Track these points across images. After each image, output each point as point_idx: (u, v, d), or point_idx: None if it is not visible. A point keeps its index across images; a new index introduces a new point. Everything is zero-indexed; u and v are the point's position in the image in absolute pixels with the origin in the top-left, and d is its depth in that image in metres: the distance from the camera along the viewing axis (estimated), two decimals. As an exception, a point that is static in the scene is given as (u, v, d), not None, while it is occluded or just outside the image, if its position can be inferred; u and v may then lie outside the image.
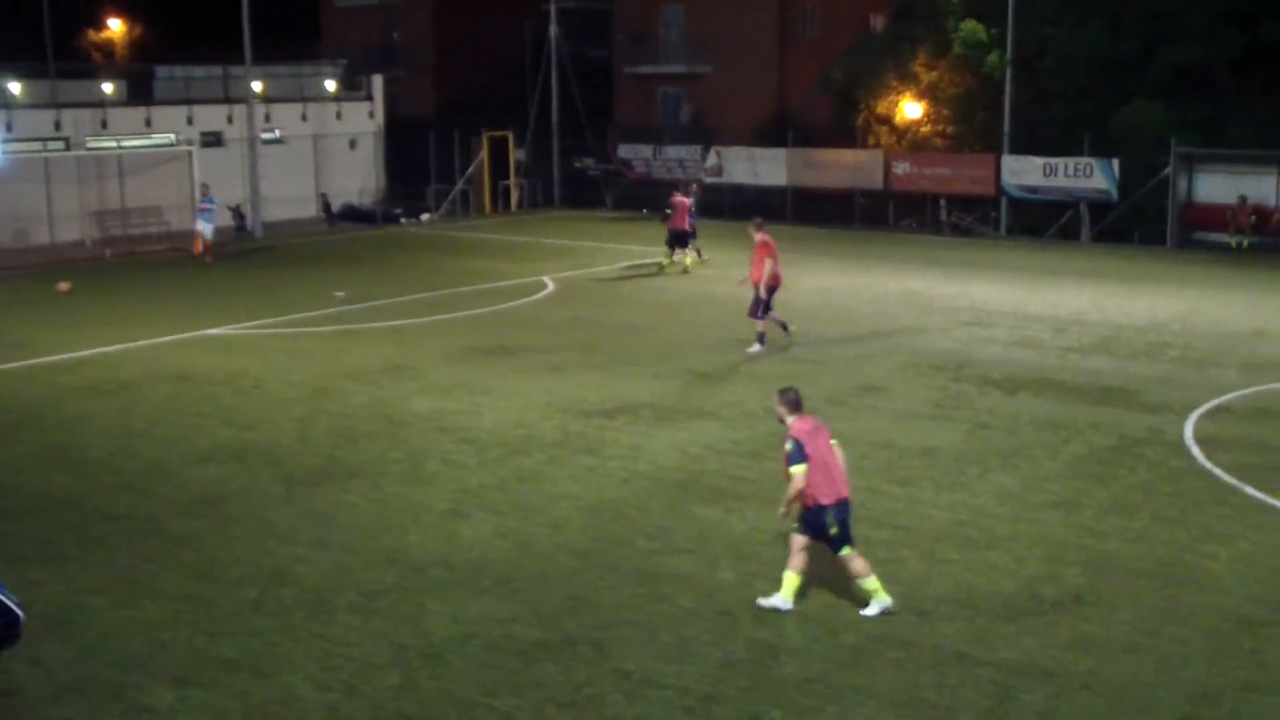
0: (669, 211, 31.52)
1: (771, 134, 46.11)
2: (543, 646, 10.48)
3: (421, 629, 10.82)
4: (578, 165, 48.84)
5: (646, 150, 47.32)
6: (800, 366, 20.81)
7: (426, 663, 10.21)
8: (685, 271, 31.13)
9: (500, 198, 46.82)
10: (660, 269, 31.17)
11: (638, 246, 35.38)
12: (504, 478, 14.92)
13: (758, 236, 22.33)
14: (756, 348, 21.88)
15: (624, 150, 47.79)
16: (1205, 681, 9.86)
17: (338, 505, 14.03)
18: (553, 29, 48.23)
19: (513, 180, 47.26)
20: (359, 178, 45.47)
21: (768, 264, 21.94)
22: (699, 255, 32.38)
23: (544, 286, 29.06)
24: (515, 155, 47.24)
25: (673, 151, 46.85)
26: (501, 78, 54.82)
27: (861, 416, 17.65)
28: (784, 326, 22.67)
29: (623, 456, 15.67)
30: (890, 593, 11.08)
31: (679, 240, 31.33)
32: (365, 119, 46.44)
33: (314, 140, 44.16)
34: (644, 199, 45.30)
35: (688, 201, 31.51)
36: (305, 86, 50.26)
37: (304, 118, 44.38)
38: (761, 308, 22.05)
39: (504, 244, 37.17)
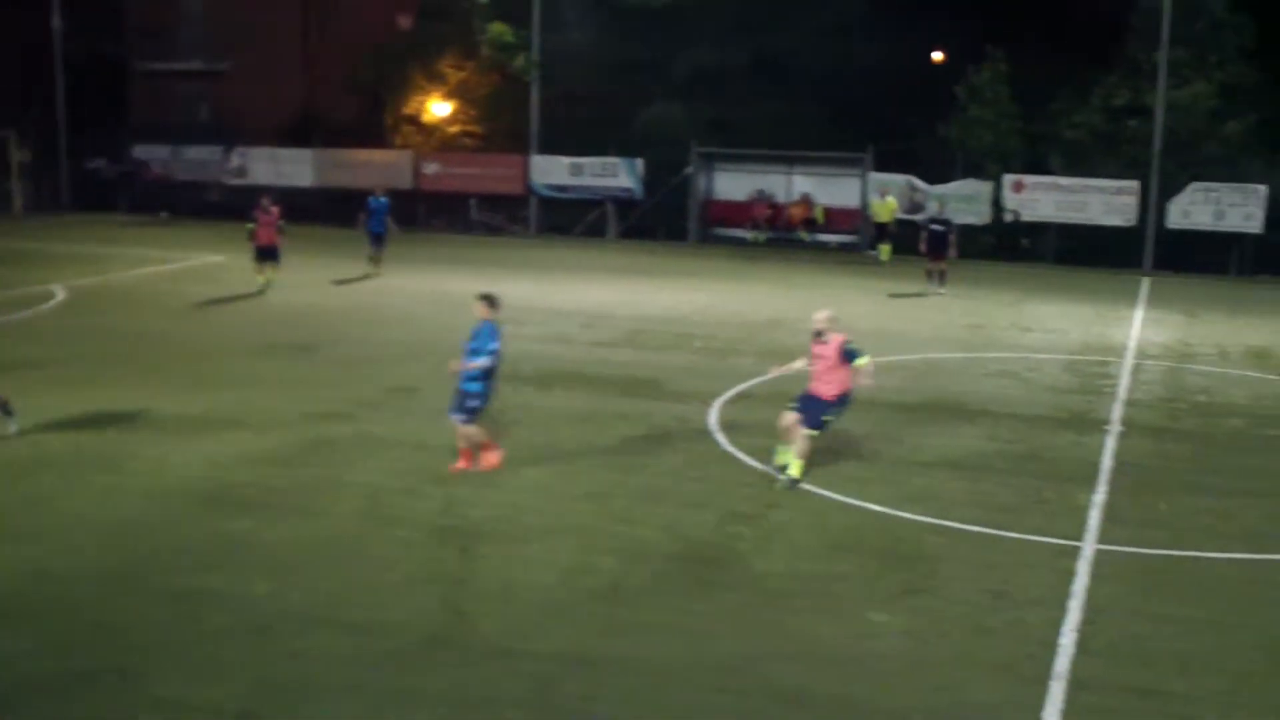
0: (252, 226, 28.43)
1: (298, 134, 45.11)
2: (66, 680, 9.67)
3: (-84, 673, 9.78)
4: (89, 167, 46.19)
5: (164, 151, 45.32)
6: (333, 370, 20.37)
7: (-78, 710, 9.23)
8: (268, 285, 28.13)
9: (0, 202, 43.61)
10: (261, 290, 28.08)
11: (157, 251, 33.77)
12: (10, 503, 13.74)
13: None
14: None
15: (140, 151, 45.59)
16: (735, 653, 10.22)
17: None
18: (55, 21, 45.36)
19: (15, 183, 44.08)
20: None
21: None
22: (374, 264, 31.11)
23: (52, 296, 27.17)
24: (17, 156, 44.11)
25: (193, 152, 45.15)
26: None
27: (395, 418, 17.43)
28: None
29: (145, 472, 14.77)
30: (430, 591, 10.92)
31: (267, 255, 28.31)
32: None
33: None
34: (164, 201, 43.36)
35: (274, 213, 28.54)
36: None
37: None
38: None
39: (4, 251, 34.56)
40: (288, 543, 12.55)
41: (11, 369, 19.91)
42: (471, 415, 14.66)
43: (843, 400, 14.83)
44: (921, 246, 31.72)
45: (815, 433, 14.62)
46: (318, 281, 29.15)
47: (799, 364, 15.39)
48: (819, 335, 14.76)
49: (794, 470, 14.52)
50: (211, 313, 25.46)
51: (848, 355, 14.57)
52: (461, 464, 14.87)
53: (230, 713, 9.20)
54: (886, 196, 38.29)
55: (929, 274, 31.44)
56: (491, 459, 14.94)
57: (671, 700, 9.48)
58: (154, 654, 10.10)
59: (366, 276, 30.35)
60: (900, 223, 38.41)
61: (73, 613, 10.90)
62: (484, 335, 14.50)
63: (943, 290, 30.84)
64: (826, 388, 14.67)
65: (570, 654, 10.19)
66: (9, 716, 9.15)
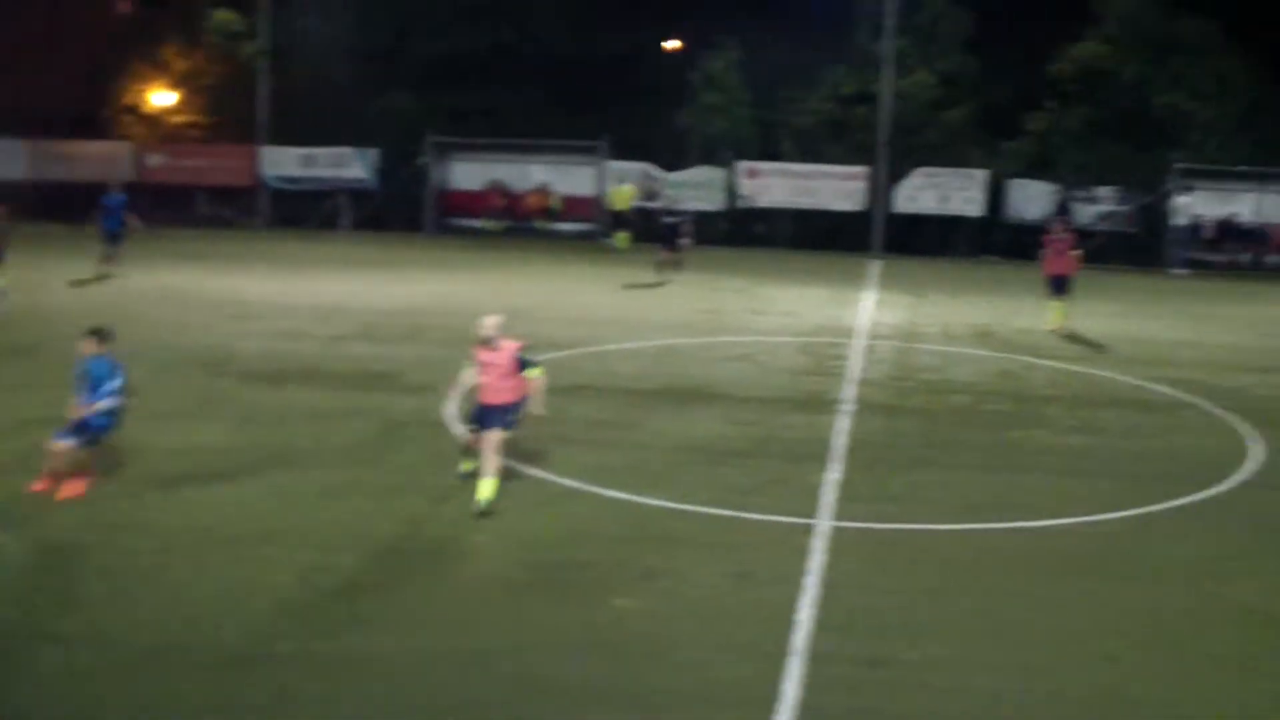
0: None
1: (7, 123, 42.91)
2: None
3: None
4: None
5: None
6: (50, 374, 19.34)
7: None
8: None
9: None
10: None
11: None
12: None
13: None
14: None
15: None
16: (479, 645, 10.08)
17: None
18: None
19: None
20: None
21: None
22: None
23: None
24: None
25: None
26: None
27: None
28: None
29: None
30: (160, 599, 10.46)
31: None
32: None
33: None
34: None
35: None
36: None
37: None
38: None
39: None
40: (2, 556, 11.86)
41: None
42: (91, 442, 13.52)
43: (520, 407, 13.82)
44: (661, 242, 31.98)
45: (506, 433, 13.65)
46: (50, 282, 27.59)
47: (468, 376, 14.22)
48: (487, 342, 13.69)
49: (487, 492, 13.22)
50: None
51: (521, 365, 13.65)
52: (40, 486, 13.32)
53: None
54: (623, 184, 38.59)
55: (659, 265, 31.50)
56: (78, 487, 13.40)
57: (416, 696, 9.29)
58: None
59: (102, 277, 28.82)
60: (638, 210, 38.77)
61: None
62: (102, 374, 13.41)
63: (675, 279, 31.04)
64: (499, 396, 13.64)
65: (309, 655, 9.90)
66: None
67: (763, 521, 13.34)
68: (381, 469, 14.79)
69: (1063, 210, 37.26)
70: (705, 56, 42.18)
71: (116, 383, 13.50)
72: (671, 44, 47.67)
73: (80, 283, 27.68)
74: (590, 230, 40.67)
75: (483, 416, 13.75)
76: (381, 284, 28.53)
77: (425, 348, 21.71)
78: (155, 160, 41.61)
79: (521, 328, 23.39)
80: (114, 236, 29.57)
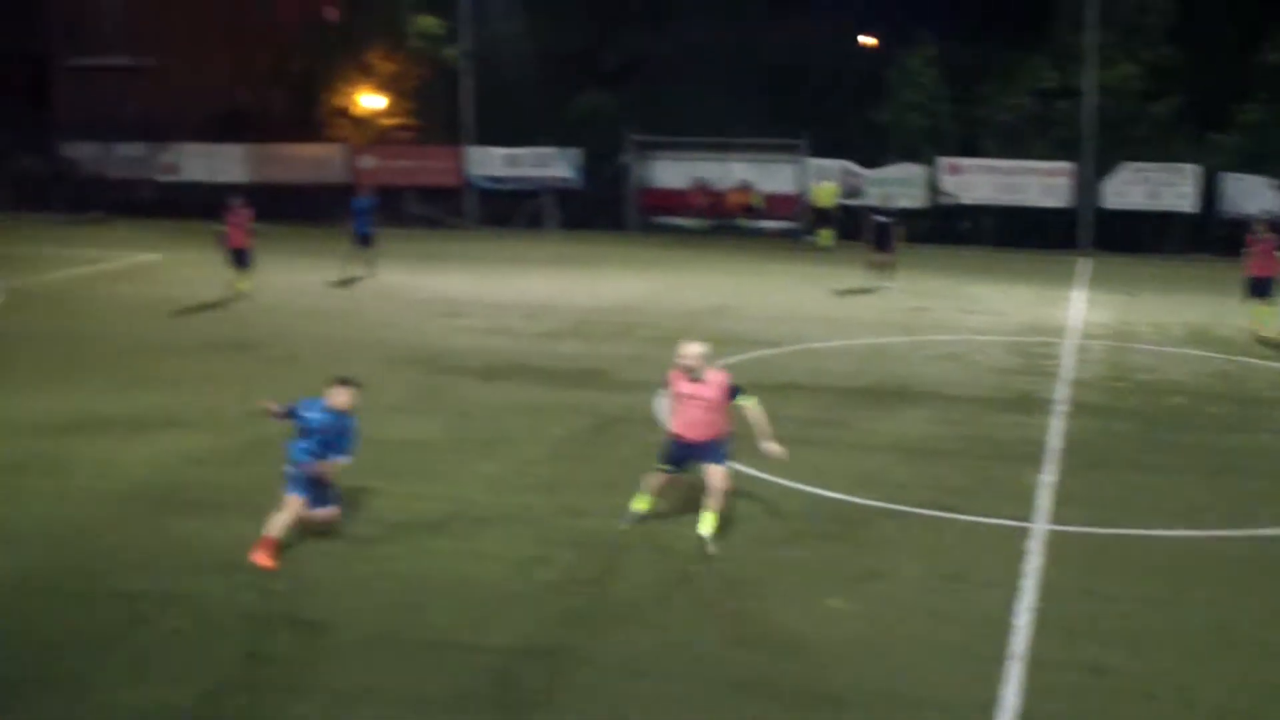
0: (221, 228, 26.91)
1: (228, 129, 44.61)
2: (11, 687, 9.50)
3: None
4: (18, 165, 45.44)
5: (94, 148, 44.67)
6: (275, 367, 20.17)
7: None
8: (243, 296, 26.32)
9: (-76, 203, 42.84)
10: (239, 295, 26.50)
11: (91, 251, 33.36)
12: (-49, 509, 13.50)
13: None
14: None
15: (69, 149, 44.89)
16: (696, 642, 10.19)
17: None
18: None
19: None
20: None
21: None
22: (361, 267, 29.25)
23: (-12, 297, 26.76)
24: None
25: (124, 149, 44.47)
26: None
27: (343, 413, 17.24)
28: None
29: (91, 475, 14.54)
30: (383, 587, 10.81)
31: (239, 259, 26.72)
32: None
33: None
34: (95, 201, 42.79)
35: (245, 215, 26.93)
36: None
37: None
38: None
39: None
40: (236, 542, 12.36)
41: (-52, 373, 19.63)
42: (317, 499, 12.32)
43: (726, 441, 12.67)
44: (866, 237, 30.19)
45: (723, 468, 12.47)
46: (304, 284, 28.53)
47: (663, 407, 12.84)
48: (690, 372, 12.37)
49: (712, 525, 12.20)
50: (146, 312, 25.10)
51: (732, 394, 12.48)
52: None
53: (186, 713, 9.09)
54: (825, 182, 38.30)
55: (872, 266, 29.64)
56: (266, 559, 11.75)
57: (633, 691, 9.45)
58: (105, 658, 9.96)
59: (351, 279, 28.94)
60: (841, 208, 38.53)
61: (20, 619, 10.72)
62: (347, 429, 12.28)
63: (892, 285, 29.16)
64: (704, 431, 12.42)
65: (529, 647, 10.14)
66: None
67: (977, 523, 13.19)
68: (594, 464, 15.03)
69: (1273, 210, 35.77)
70: (902, 53, 41.69)
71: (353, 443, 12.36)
72: (867, 40, 47.21)
73: (332, 284, 28.37)
74: (792, 228, 40.56)
75: (683, 454, 12.56)
76: (588, 282, 28.91)
77: (635, 345, 21.96)
78: (367, 162, 42.77)
79: (730, 326, 23.59)
80: (365, 239, 29.61)
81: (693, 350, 12.28)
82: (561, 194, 41.65)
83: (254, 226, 26.95)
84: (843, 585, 11.42)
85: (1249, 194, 38.18)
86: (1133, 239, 38.40)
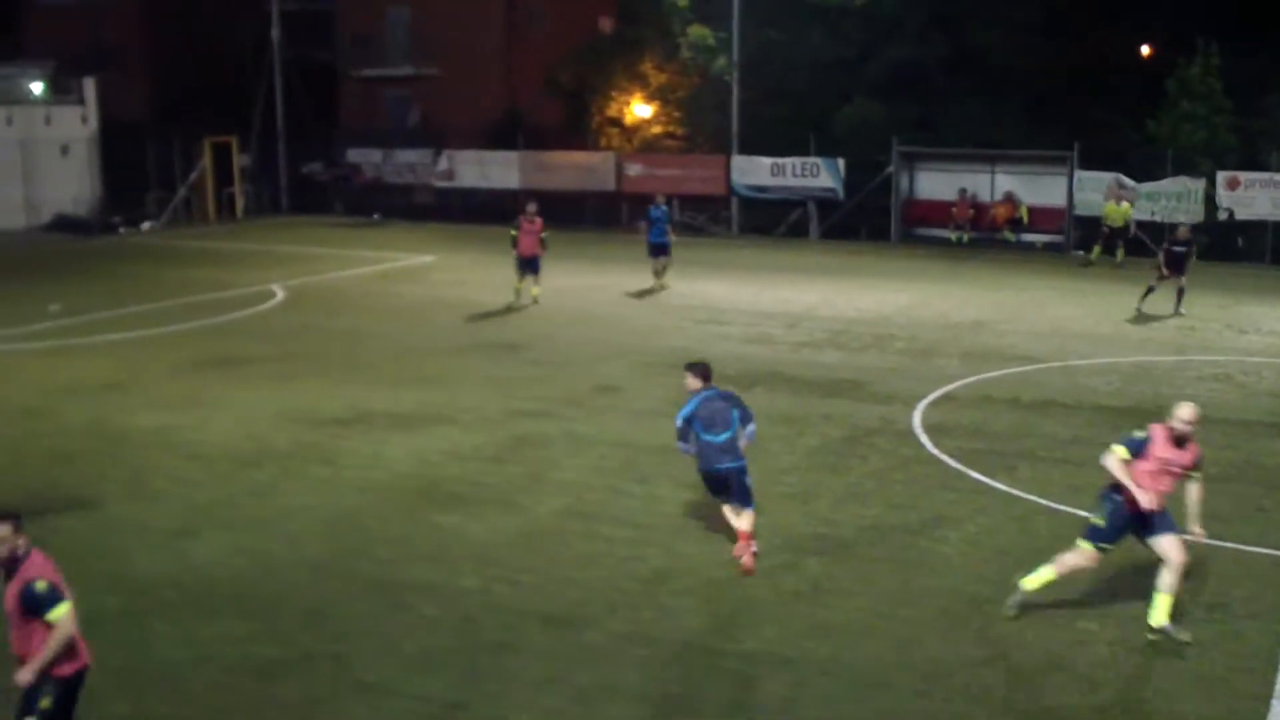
0: (514, 234, 26.79)
1: (502, 136, 45.95)
2: (280, 664, 10.09)
3: (150, 653, 10.28)
4: (305, 170, 47.76)
5: (375, 154, 46.60)
6: (538, 369, 20.73)
7: (157, 688, 9.71)
8: (535, 302, 26.58)
9: (225, 205, 45.37)
10: (533, 300, 26.71)
11: (369, 252, 34.82)
12: (234, 493, 14.36)
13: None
14: None
15: (352, 154, 46.96)
16: (938, 659, 10.13)
17: (52, 530, 13.21)
18: (275, 31, 47.07)
19: (237, 186, 45.85)
20: (72, 185, 43.32)
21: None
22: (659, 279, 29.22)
23: (273, 295, 28.19)
24: (239, 160, 45.82)
25: (402, 156, 46.27)
26: (221, 80, 53.02)
27: (599, 416, 17.67)
28: None
29: (359, 466, 15.28)
30: (632, 588, 11.05)
31: (528, 266, 26.68)
32: (78, 124, 44.27)
33: (20, 146, 41.89)
34: (375, 204, 44.67)
35: (538, 223, 26.79)
36: (8, 90, 47.59)
37: (9, 122, 42.05)
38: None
39: (230, 252, 36.02)
40: (494, 537, 12.85)
41: (240, 365, 20.83)
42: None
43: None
44: (1162, 268, 27.50)
45: (1180, 538, 10.85)
46: (568, 287, 29.29)
47: (1117, 463, 10.69)
48: (1180, 440, 10.74)
49: (1166, 612, 10.65)
50: (420, 312, 26.11)
51: (1197, 466, 10.98)
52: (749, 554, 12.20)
53: (438, 701, 9.48)
54: (1122, 202, 36.51)
55: (1178, 292, 27.11)
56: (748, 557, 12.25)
57: (873, 704, 9.44)
58: (364, 641, 10.46)
59: (655, 290, 28.98)
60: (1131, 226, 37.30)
61: (289, 599, 11.36)
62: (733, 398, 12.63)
63: (1182, 310, 27.01)
64: (1163, 501, 10.80)
65: (772, 654, 10.23)
66: (219, 696, 9.57)
67: (1242, 551, 12.70)
68: (847, 475, 15.01)
69: None
70: (1181, 62, 40.12)
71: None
72: (1144, 49, 45.68)
73: (635, 294, 28.84)
74: (1058, 242, 39.53)
75: (1136, 526, 10.86)
76: (849, 292, 28.79)
77: (893, 358, 21.79)
78: (634, 169, 43.45)
79: (989, 340, 23.19)
80: (660, 248, 29.34)
81: (1186, 412, 10.71)
82: (824, 203, 41.53)
83: (545, 236, 26.82)
84: (1095, 607, 11.16)
85: None
86: None
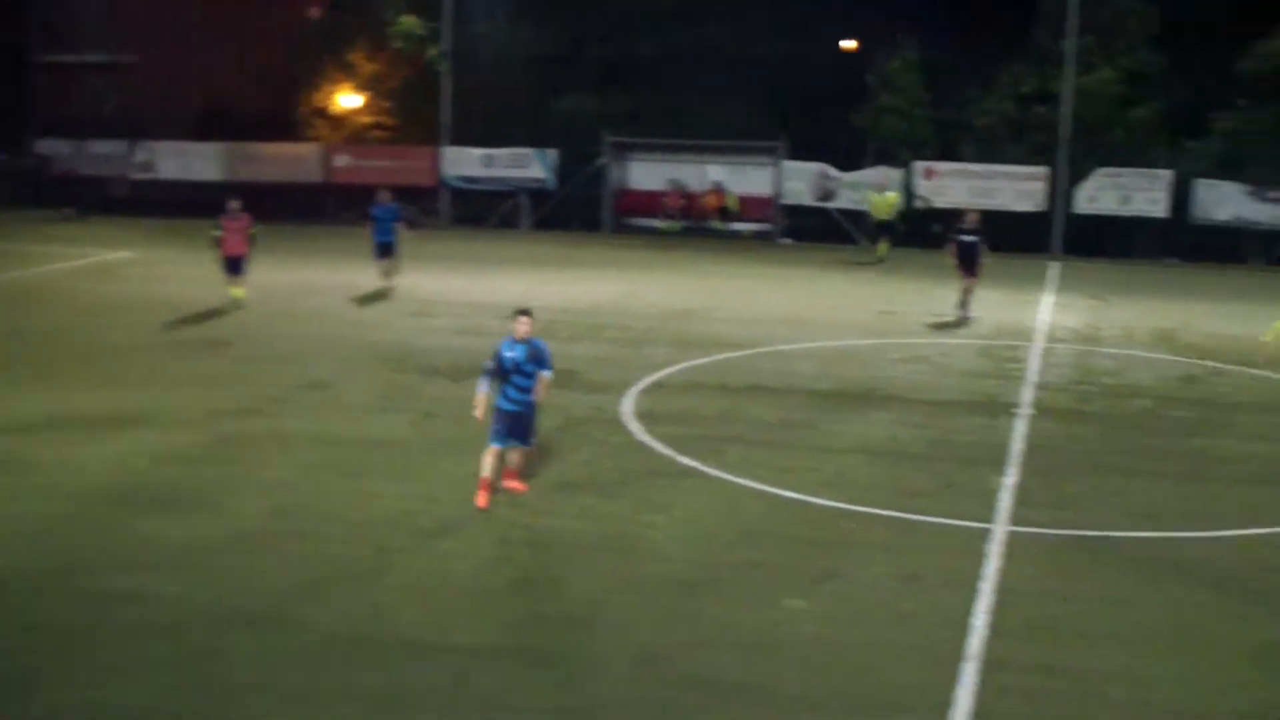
0: (217, 233, 25.24)
1: (206, 127, 44.51)
2: (-39, 687, 9.47)
3: None
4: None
5: (67, 146, 44.52)
6: (244, 366, 20.13)
7: None
8: (239, 307, 25.07)
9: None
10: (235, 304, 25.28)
11: (61, 248, 33.22)
12: (-91, 507, 13.42)
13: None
14: None
15: (42, 146, 44.74)
16: (652, 644, 10.22)
17: None
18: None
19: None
20: None
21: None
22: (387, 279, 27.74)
23: (-45, 294, 26.61)
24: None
25: (98, 147, 44.35)
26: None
27: (307, 413, 17.26)
28: None
29: (53, 473, 14.45)
30: (343, 588, 10.83)
31: (233, 267, 25.25)
32: None
33: None
34: (68, 197, 42.66)
35: (243, 220, 25.34)
36: None
37: None
38: None
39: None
40: (197, 541, 12.36)
41: (-89, 370, 19.51)
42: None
43: None
44: (951, 260, 26.61)
45: None
46: (273, 283, 28.45)
47: None
48: None
49: None
50: (118, 310, 25.02)
51: None
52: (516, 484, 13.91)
53: (141, 712, 9.07)
54: (886, 192, 37.27)
55: (965, 293, 26.34)
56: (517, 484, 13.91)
57: (587, 691, 9.46)
58: (62, 657, 9.91)
59: (384, 292, 27.60)
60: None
61: (-25, 616, 10.68)
62: (545, 349, 13.50)
63: (970, 314, 26.11)
64: None
65: (485, 648, 10.15)
66: None
67: (937, 524, 13.25)
68: (559, 464, 15.03)
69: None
70: (882, 56, 41.76)
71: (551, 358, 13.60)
72: (848, 44, 47.28)
73: (343, 288, 28.17)
74: (766, 230, 40.61)
75: None
76: (560, 283, 28.92)
77: (605, 347, 21.99)
78: (342, 161, 42.72)
79: (698, 328, 23.63)
80: (385, 248, 27.87)
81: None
82: (536, 194, 41.66)
83: (254, 232, 25.49)
84: (801, 586, 11.45)
85: (1223, 200, 38.40)
86: (1104, 244, 38.58)
